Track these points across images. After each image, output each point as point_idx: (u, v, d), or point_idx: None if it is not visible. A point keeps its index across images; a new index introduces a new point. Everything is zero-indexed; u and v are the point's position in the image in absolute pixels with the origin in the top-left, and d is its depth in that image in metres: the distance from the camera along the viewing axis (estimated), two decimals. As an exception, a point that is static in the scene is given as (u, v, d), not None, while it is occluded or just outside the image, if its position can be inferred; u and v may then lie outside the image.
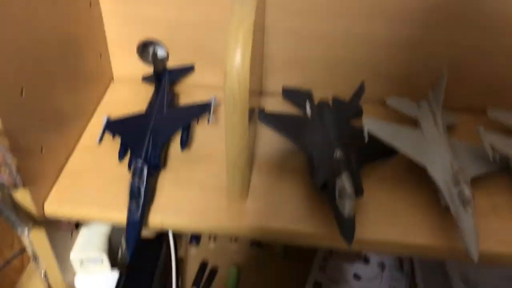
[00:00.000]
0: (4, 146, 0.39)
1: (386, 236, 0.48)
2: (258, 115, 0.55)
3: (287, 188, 0.53)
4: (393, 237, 0.47)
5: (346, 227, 0.44)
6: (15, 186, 0.42)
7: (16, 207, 0.45)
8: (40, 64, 0.47)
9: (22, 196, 0.46)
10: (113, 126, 0.56)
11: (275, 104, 0.64)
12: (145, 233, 0.52)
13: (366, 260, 0.76)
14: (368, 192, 0.51)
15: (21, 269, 0.72)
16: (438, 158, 0.51)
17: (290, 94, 0.63)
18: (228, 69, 0.40)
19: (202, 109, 0.56)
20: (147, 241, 0.69)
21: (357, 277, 0.73)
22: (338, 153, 0.50)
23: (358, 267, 0.75)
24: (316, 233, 0.48)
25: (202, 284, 0.76)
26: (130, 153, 0.52)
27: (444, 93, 0.57)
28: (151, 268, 0.62)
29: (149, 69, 0.65)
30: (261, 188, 0.53)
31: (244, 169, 0.47)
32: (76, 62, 0.55)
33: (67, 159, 0.54)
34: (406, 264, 0.75)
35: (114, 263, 0.60)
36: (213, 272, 0.78)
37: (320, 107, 0.60)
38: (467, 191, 0.46)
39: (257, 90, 0.59)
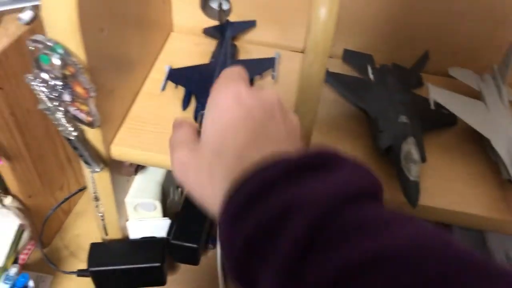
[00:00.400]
0: (90, 83, 0.39)
1: (443, 204, 0.48)
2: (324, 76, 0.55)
3: (347, 150, 0.53)
4: (450, 205, 0.48)
5: (411, 190, 0.45)
6: (92, 124, 0.43)
7: (88, 145, 0.46)
8: (116, 6, 0.47)
9: (93, 136, 0.47)
10: (176, 76, 0.57)
11: (337, 66, 0.64)
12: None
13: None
14: (428, 159, 0.51)
15: (68, 211, 0.74)
16: (502, 131, 0.51)
17: (351, 57, 0.62)
18: (314, 15, 0.40)
19: (266, 64, 0.56)
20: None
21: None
22: (403, 118, 0.50)
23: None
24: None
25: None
26: (196, 102, 0.53)
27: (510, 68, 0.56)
28: (201, 216, 0.64)
29: (209, 22, 0.65)
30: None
31: (311, 123, 0.48)
32: (142, 8, 0.55)
33: (132, 104, 0.54)
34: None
35: (165, 211, 0.61)
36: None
37: (382, 72, 0.59)
38: (534, 165, 0.46)
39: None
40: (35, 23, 0.54)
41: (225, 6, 0.63)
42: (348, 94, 0.53)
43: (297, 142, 0.32)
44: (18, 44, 0.52)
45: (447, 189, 0.49)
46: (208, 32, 0.64)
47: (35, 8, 0.54)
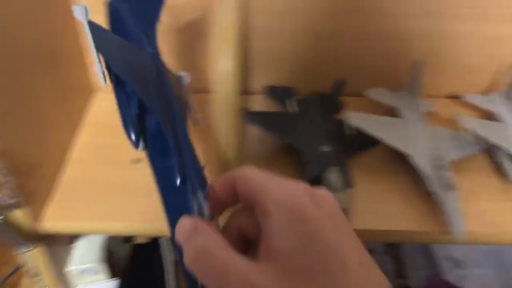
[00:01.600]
0: (4, 167, 0.39)
1: (375, 225, 0.49)
2: (243, 115, 0.56)
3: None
4: (381, 225, 0.49)
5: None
6: (15, 206, 0.42)
7: (14, 226, 0.46)
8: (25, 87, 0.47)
9: (20, 216, 0.46)
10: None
11: (260, 103, 0.66)
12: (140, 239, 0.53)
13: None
14: (358, 183, 0.53)
15: (17, 285, 0.72)
16: (420, 146, 0.53)
17: (273, 92, 0.64)
18: (216, 75, 0.41)
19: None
20: (142, 246, 0.70)
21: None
22: (326, 147, 0.52)
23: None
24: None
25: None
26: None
27: (422, 81, 0.60)
28: (148, 272, 0.64)
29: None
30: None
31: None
32: (59, 74, 0.55)
33: (60, 173, 0.54)
34: (393, 247, 0.77)
35: (113, 270, 0.61)
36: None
37: (305, 103, 0.61)
38: (450, 177, 0.48)
39: (241, 91, 0.60)
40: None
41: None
42: (270, 131, 0.55)
43: None
44: None
45: (377, 209, 0.51)
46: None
47: None
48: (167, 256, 0.69)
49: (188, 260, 0.24)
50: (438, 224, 0.49)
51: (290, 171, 0.55)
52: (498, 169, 0.55)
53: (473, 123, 0.56)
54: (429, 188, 0.50)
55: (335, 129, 0.56)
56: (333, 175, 0.48)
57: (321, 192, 0.27)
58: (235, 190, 0.28)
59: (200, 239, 0.25)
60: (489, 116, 0.61)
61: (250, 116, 0.56)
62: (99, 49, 0.41)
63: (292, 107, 0.61)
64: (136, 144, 0.38)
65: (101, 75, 0.42)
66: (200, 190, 0.28)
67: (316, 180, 0.50)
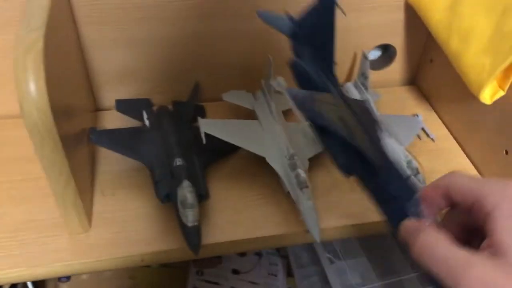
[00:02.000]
0: None
1: (235, 235, 0.47)
2: (88, 135, 0.52)
3: (134, 208, 0.50)
4: (241, 235, 0.47)
5: (191, 236, 0.43)
6: None
7: None
8: None
9: None
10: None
11: (114, 120, 0.61)
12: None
13: (242, 254, 0.76)
14: (214, 194, 0.51)
15: None
16: (275, 146, 0.52)
17: (125, 106, 0.60)
18: (22, 102, 0.36)
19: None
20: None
21: (235, 272, 0.74)
22: (178, 161, 0.49)
23: (236, 262, 0.75)
24: (171, 250, 0.46)
25: (78, 321, 0.71)
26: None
27: (273, 80, 0.58)
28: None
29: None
30: (106, 213, 0.50)
31: (75, 200, 0.44)
32: None
33: None
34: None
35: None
36: (90, 305, 0.73)
37: (159, 115, 0.58)
38: (302, 174, 0.47)
39: (83, 109, 0.55)
40: None
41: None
42: (119, 149, 0.51)
43: None
44: None
45: (237, 218, 0.49)
46: None
47: None
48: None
49: (414, 254, 0.30)
50: (298, 226, 0.48)
51: (150, 189, 0.51)
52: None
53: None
54: (285, 188, 0.49)
55: (190, 140, 0.53)
56: (181, 192, 0.45)
57: None
58: (449, 194, 0.32)
59: (423, 235, 0.30)
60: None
61: (95, 136, 0.51)
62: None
63: (146, 120, 0.57)
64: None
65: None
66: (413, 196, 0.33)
67: (169, 198, 0.47)
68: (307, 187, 0.46)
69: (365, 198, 0.52)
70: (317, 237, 0.44)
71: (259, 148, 0.51)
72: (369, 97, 0.62)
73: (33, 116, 0.37)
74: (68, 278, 0.76)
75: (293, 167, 0.48)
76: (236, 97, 0.60)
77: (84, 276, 0.76)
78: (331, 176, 0.54)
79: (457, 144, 0.61)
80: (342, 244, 0.69)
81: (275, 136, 0.53)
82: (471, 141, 0.59)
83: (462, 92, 0.55)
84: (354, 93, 0.63)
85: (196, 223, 0.44)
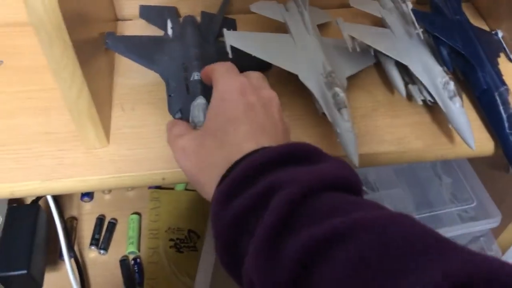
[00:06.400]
0: None
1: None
2: (104, 39, 0.47)
3: (155, 124, 0.46)
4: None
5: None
6: None
7: None
8: None
9: None
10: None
11: (137, 29, 0.56)
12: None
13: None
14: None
15: None
16: (310, 63, 0.46)
17: (149, 13, 0.55)
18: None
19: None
20: (20, 208, 0.62)
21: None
22: (195, 75, 0.44)
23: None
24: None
25: (100, 240, 0.70)
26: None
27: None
28: (28, 235, 0.57)
29: None
30: (126, 128, 0.46)
31: (89, 111, 0.40)
32: None
33: None
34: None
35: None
36: (112, 225, 0.72)
37: (183, 25, 0.53)
38: (340, 93, 0.42)
39: (101, 16, 0.50)
40: None
41: None
42: (137, 58, 0.46)
43: (288, 139, 0.37)
44: None
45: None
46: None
47: None
48: (54, 217, 0.61)
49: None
50: (333, 148, 0.43)
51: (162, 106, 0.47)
52: (389, 82, 0.50)
53: (355, 29, 0.49)
54: (320, 108, 0.44)
55: (213, 54, 0.48)
56: (196, 108, 0.41)
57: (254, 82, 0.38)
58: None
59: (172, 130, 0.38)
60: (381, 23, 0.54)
61: (111, 41, 0.47)
62: None
63: (170, 29, 0.52)
64: None
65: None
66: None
67: (182, 113, 0.43)
68: (345, 107, 0.41)
69: (408, 123, 0.47)
70: (355, 161, 0.40)
71: (291, 64, 0.46)
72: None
73: (39, 10, 0.32)
74: (90, 198, 0.74)
75: (330, 85, 0.43)
76: (266, 8, 0.54)
77: (107, 197, 0.75)
78: (372, 98, 0.49)
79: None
80: (377, 175, 0.65)
81: (310, 51, 0.47)
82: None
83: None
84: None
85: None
